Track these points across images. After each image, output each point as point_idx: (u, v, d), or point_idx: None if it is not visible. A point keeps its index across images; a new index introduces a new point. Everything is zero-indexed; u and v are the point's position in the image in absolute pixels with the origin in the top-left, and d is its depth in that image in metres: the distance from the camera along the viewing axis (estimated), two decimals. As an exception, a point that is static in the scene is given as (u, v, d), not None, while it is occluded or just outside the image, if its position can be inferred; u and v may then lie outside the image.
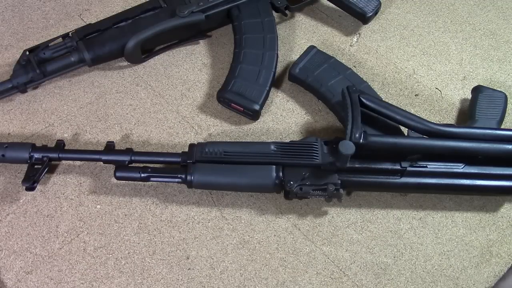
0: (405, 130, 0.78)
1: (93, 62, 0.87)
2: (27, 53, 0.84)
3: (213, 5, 0.90)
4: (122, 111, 0.86)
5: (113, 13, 0.90)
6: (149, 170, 0.73)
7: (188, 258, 0.73)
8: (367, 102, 0.76)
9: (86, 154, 0.76)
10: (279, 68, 0.92)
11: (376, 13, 0.99)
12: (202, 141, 0.78)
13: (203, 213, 0.76)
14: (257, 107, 0.83)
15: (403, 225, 0.77)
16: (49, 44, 0.85)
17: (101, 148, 0.77)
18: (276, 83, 0.91)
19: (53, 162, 0.78)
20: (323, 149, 0.74)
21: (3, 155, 0.74)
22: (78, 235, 0.73)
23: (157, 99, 0.88)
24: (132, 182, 0.78)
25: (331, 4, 1.01)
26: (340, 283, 0.72)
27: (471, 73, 0.95)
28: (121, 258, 0.72)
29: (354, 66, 0.94)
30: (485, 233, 0.77)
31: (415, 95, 0.92)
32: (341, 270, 0.73)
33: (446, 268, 0.74)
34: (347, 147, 0.69)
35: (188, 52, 0.95)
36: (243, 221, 0.76)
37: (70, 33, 0.87)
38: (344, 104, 0.77)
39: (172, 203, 0.77)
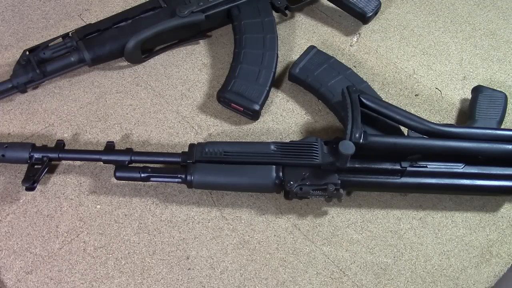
0: (405, 130, 0.78)
1: (93, 62, 0.87)
2: (27, 53, 0.83)
3: (213, 5, 0.90)
4: (122, 111, 0.86)
5: (113, 13, 0.90)
6: (149, 170, 0.73)
7: (188, 258, 0.73)
8: (367, 102, 0.76)
9: (86, 154, 0.76)
10: (279, 68, 0.92)
11: (376, 13, 0.99)
12: (202, 141, 0.78)
13: (203, 213, 0.76)
14: (257, 107, 0.83)
15: (403, 225, 0.77)
16: (49, 44, 0.85)
17: (101, 148, 0.77)
18: (276, 83, 0.91)
19: (53, 162, 0.78)
20: (323, 149, 0.74)
21: (3, 155, 0.74)
22: (78, 235, 0.73)
23: (157, 99, 0.88)
24: (132, 182, 0.78)
25: (331, 4, 1.02)
26: (340, 283, 0.72)
27: (471, 73, 0.95)
28: (121, 258, 0.72)
29: (354, 66, 0.94)
30: (485, 233, 0.77)
31: (415, 95, 0.92)
32: (341, 270, 0.73)
33: (446, 268, 0.74)
34: (347, 147, 0.69)
35: (188, 52, 0.95)
36: (243, 221, 0.76)
37: (70, 33, 0.87)
38: (344, 104, 0.77)
39: (172, 203, 0.77)
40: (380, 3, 0.98)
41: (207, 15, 0.90)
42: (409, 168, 0.74)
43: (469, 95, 0.89)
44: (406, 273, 0.73)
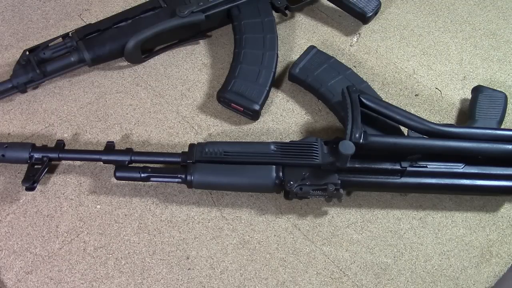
0: (405, 130, 0.78)
1: (93, 62, 0.87)
2: (27, 53, 0.83)
3: (213, 5, 0.90)
4: (122, 111, 0.86)
5: (113, 13, 0.90)
6: (149, 170, 0.73)
7: (188, 258, 0.73)
8: (367, 102, 0.76)
9: (86, 154, 0.76)
10: (279, 68, 0.92)
11: (376, 13, 0.99)
12: (202, 141, 0.78)
13: (203, 213, 0.76)
14: (257, 107, 0.83)
15: (403, 225, 0.77)
16: (49, 44, 0.85)
17: (101, 148, 0.77)
18: (276, 83, 0.91)
19: (53, 162, 0.78)
20: (323, 149, 0.74)
21: (3, 155, 0.74)
22: (78, 235, 0.73)
23: (157, 99, 0.88)
24: (132, 182, 0.78)
25: (331, 4, 1.02)
26: (340, 283, 0.72)
27: (471, 73, 0.95)
28: (121, 258, 0.72)
29: (354, 66, 0.94)
30: (485, 233, 0.77)
31: (415, 95, 0.92)
32: (341, 270, 0.73)
33: (446, 268, 0.74)
34: (347, 147, 0.69)
35: (188, 52, 0.95)
36: (243, 221, 0.76)
37: (70, 33, 0.87)
38: (344, 104, 0.77)
39: (172, 203, 0.77)
40: (380, 3, 0.98)
41: (207, 15, 0.90)
42: (409, 168, 0.74)
43: (469, 95, 0.89)
44: (406, 273, 0.73)
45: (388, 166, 0.74)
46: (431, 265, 0.74)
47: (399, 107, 0.77)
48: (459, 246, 0.76)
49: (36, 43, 0.87)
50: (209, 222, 0.76)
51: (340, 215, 0.78)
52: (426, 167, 0.74)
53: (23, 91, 0.85)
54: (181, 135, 0.84)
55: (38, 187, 0.76)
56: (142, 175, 0.73)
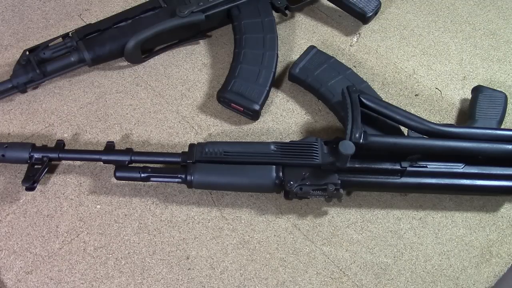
0: (405, 130, 0.78)
1: (93, 62, 0.87)
2: (27, 53, 0.84)
3: (213, 5, 0.90)
4: (122, 111, 0.86)
5: (113, 13, 0.90)
6: (149, 170, 0.73)
7: (188, 258, 0.73)
8: (367, 102, 0.76)
9: (86, 154, 0.76)
10: (279, 68, 0.92)
11: (376, 13, 0.99)
12: (202, 141, 0.78)
13: (203, 213, 0.76)
14: (257, 107, 0.83)
15: (403, 225, 0.77)
16: (49, 44, 0.85)
17: (101, 148, 0.77)
18: (276, 83, 0.91)
19: (53, 162, 0.78)
20: (323, 149, 0.74)
21: (3, 155, 0.74)
22: (78, 235, 0.73)
23: (157, 99, 0.88)
24: (132, 182, 0.78)
25: (331, 4, 1.02)
26: (340, 283, 0.72)
27: (471, 73, 0.95)
28: (121, 258, 0.72)
29: (354, 66, 0.94)
30: (485, 233, 0.77)
31: (415, 95, 0.92)
32: (341, 270, 0.73)
33: (446, 268, 0.74)
34: (347, 147, 0.69)
35: (188, 52, 0.95)
36: (243, 221, 0.76)
37: (70, 33, 0.87)
38: (344, 104, 0.77)
39: (172, 203, 0.77)
40: (380, 3, 0.98)
41: (207, 15, 0.90)
42: (409, 168, 0.74)
43: (469, 95, 0.89)
44: (406, 273, 0.73)
45: (388, 166, 0.74)
46: (431, 265, 0.74)
47: (399, 107, 0.77)
48: (459, 246, 0.76)
49: (36, 43, 0.87)
50: (209, 222, 0.76)
51: (340, 215, 0.78)
52: (426, 167, 0.74)
53: (23, 91, 0.85)
54: (181, 135, 0.84)
55: (38, 187, 0.76)
56: (142, 175, 0.73)
